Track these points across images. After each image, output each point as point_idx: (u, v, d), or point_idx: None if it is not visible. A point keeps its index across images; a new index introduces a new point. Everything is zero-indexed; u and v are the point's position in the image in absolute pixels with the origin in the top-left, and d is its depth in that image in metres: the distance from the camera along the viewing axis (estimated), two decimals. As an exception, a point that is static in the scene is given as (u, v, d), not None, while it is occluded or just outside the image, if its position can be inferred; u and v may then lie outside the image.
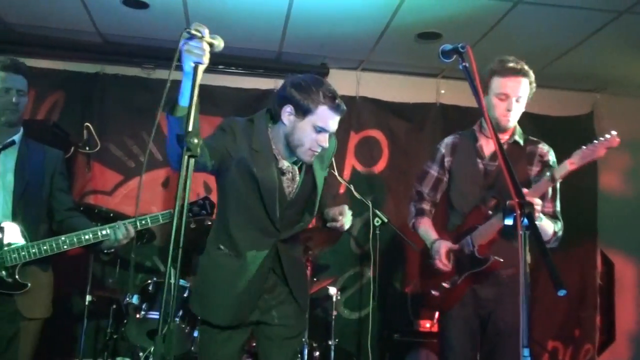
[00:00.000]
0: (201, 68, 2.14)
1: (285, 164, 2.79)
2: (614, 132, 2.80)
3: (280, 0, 4.56)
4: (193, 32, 2.11)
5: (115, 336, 4.51)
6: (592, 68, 5.60)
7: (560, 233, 3.18)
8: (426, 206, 3.52)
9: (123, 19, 5.02)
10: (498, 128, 3.18)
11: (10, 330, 3.19)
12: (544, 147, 3.29)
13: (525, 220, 1.85)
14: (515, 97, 3.14)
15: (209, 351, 2.82)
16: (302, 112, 2.61)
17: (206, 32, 2.15)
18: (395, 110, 5.94)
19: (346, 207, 2.80)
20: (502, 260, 3.08)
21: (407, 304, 5.06)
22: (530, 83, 3.19)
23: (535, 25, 4.77)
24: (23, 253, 3.16)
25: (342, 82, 5.89)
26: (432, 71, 5.96)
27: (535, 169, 3.23)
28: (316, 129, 2.62)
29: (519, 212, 1.87)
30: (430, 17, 4.75)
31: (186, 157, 1.96)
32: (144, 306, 4.15)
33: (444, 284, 3.28)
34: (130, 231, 3.29)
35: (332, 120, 2.65)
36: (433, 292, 3.34)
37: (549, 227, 3.12)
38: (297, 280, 2.91)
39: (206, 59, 2.14)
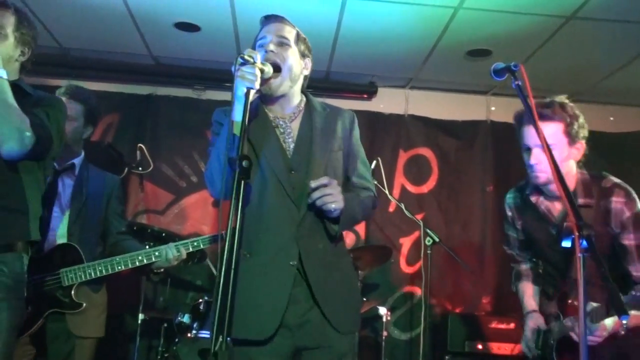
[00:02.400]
0: (252, 93, 2.16)
1: (270, 115, 2.53)
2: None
3: (329, 20, 4.59)
4: (246, 57, 2.16)
5: (166, 355, 4.54)
6: (647, 83, 5.46)
7: None
8: (524, 266, 3.13)
9: (175, 41, 5.13)
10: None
11: (66, 349, 3.27)
12: (617, 200, 2.67)
13: (584, 243, 1.75)
14: (535, 146, 2.69)
15: None
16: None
17: (258, 57, 2.21)
18: (445, 128, 5.89)
19: (333, 182, 2.32)
20: None
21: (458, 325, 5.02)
22: (569, 124, 2.68)
23: (588, 40, 4.68)
24: (80, 273, 3.25)
25: (391, 100, 5.91)
26: (482, 88, 5.90)
27: (616, 230, 2.67)
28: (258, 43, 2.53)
29: (577, 234, 1.77)
30: (480, 35, 4.71)
31: (237, 179, 1.93)
32: (195, 325, 4.19)
33: None
34: (182, 252, 3.35)
35: (265, 31, 2.52)
36: None
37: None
38: (325, 288, 2.39)
39: (257, 84, 2.18)
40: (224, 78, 5.61)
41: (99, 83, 5.59)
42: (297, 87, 2.57)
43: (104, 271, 3.27)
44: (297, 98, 2.58)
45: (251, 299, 2.34)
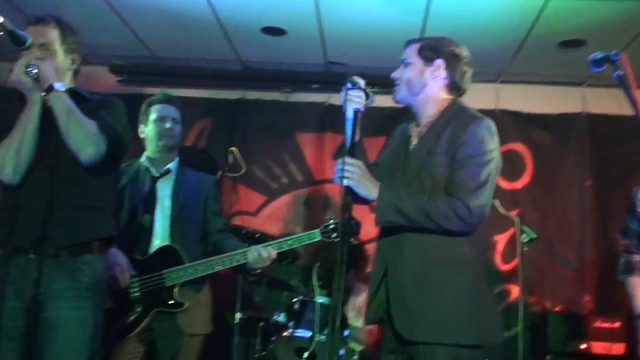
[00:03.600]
0: (359, 114, 2.48)
1: (410, 125, 2.71)
2: None
3: (415, 17, 4.55)
4: (354, 81, 2.49)
5: (264, 353, 4.61)
6: None
7: None
8: (637, 258, 2.97)
9: (262, 46, 5.22)
10: None
11: (174, 346, 3.40)
12: None
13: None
14: None
15: None
16: None
17: (363, 82, 2.52)
18: (538, 121, 5.70)
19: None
20: None
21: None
22: None
23: (691, 23, 4.43)
24: (181, 273, 3.37)
25: (480, 95, 5.74)
26: (576, 80, 5.68)
27: None
28: None
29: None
30: (573, 24, 4.54)
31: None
32: (290, 324, 4.24)
33: None
34: (271, 253, 3.43)
35: None
36: None
37: None
38: (401, 294, 2.40)
39: (363, 107, 2.50)
40: (310, 79, 5.67)
41: (191, 90, 5.76)
42: (424, 96, 2.60)
43: (203, 271, 3.39)
44: (432, 108, 2.60)
45: None
